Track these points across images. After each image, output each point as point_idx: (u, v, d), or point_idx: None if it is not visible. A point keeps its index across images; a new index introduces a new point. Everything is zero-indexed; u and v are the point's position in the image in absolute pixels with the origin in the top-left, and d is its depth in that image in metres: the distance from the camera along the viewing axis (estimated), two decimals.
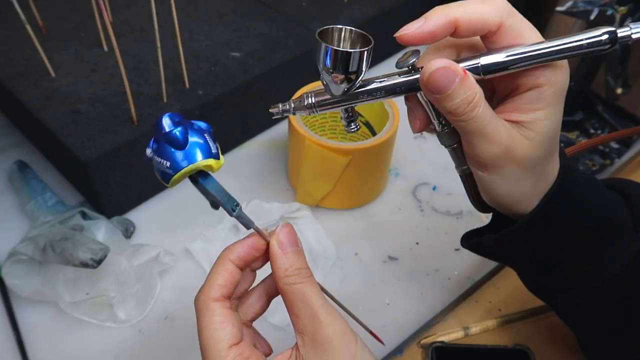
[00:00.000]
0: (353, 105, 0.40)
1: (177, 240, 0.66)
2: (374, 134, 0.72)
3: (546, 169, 0.41)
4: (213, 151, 0.35)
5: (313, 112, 0.40)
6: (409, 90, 0.39)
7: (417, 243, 0.68)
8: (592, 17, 0.73)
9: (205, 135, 0.35)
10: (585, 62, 0.79)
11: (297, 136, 0.65)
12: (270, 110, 0.41)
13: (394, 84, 0.39)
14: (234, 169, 0.76)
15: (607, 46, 0.35)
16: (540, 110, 0.37)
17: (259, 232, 0.39)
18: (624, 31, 0.35)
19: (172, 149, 0.34)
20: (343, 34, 0.37)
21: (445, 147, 0.42)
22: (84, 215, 0.64)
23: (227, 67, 0.73)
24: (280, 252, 0.38)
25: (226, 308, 0.38)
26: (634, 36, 0.35)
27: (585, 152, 0.78)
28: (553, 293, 0.47)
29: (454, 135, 0.41)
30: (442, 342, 0.58)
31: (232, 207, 0.37)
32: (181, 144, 0.33)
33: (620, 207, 0.45)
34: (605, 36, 0.35)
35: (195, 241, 0.65)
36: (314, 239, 0.66)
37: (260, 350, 0.42)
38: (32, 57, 0.70)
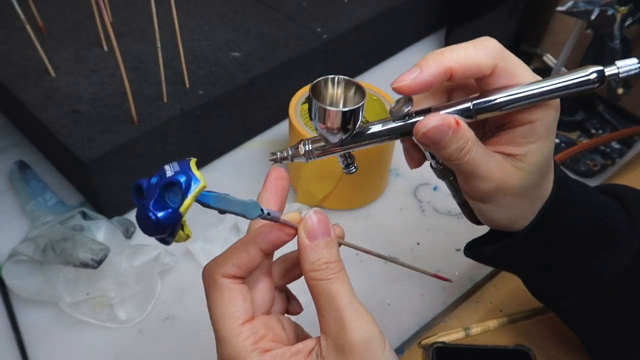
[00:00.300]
0: (350, 150, 0.41)
1: None
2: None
3: (539, 191, 0.42)
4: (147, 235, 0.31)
5: (310, 158, 0.41)
6: (404, 135, 0.39)
7: (418, 243, 0.68)
8: (592, 17, 0.72)
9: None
10: (586, 63, 0.79)
11: (298, 136, 0.65)
12: (269, 159, 0.41)
13: (390, 129, 0.39)
14: (235, 170, 0.76)
15: (596, 84, 0.36)
16: (533, 144, 0.38)
17: (286, 224, 0.35)
18: (611, 70, 0.35)
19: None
20: (336, 80, 0.38)
21: (442, 180, 0.43)
22: (84, 216, 0.64)
23: (228, 67, 0.73)
24: (308, 243, 0.34)
25: (236, 284, 0.35)
26: (621, 75, 0.35)
27: (586, 152, 0.78)
28: (555, 298, 0.48)
29: (449, 171, 0.42)
30: (443, 342, 0.58)
31: (253, 215, 0.33)
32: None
33: (615, 212, 0.46)
34: (594, 75, 0.35)
35: (196, 241, 0.65)
36: None
37: (293, 311, 0.41)
38: (32, 57, 0.70)
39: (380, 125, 0.39)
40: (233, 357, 0.34)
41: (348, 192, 0.69)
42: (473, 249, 0.49)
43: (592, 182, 0.77)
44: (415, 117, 0.38)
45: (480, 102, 0.37)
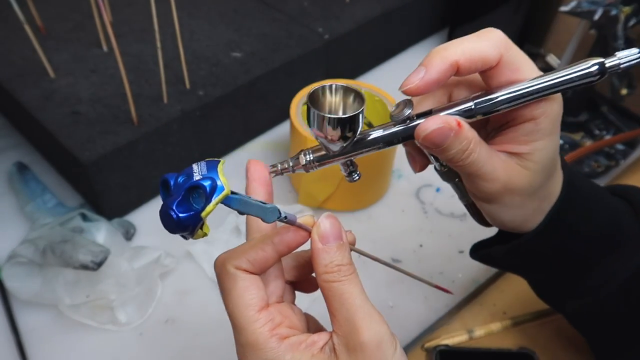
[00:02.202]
0: (352, 158, 0.40)
1: (178, 242, 0.65)
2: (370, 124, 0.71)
3: (548, 190, 0.41)
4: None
5: (312, 168, 0.40)
6: (406, 139, 0.39)
7: (420, 245, 0.68)
8: (596, 17, 0.72)
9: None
10: None
11: (299, 137, 0.65)
12: (269, 172, 0.41)
13: (391, 133, 0.38)
14: (236, 171, 0.75)
15: (597, 77, 0.35)
16: (538, 141, 0.38)
17: (301, 227, 0.36)
18: (612, 61, 0.35)
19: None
20: (334, 88, 0.37)
21: (447, 182, 0.43)
22: (84, 217, 0.63)
23: (228, 68, 0.72)
24: (321, 246, 0.35)
25: (249, 274, 0.35)
26: (622, 65, 0.35)
27: (590, 153, 0.77)
28: (562, 300, 0.47)
29: (454, 173, 0.41)
30: (446, 345, 0.57)
31: (272, 219, 0.34)
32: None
33: (625, 214, 0.45)
34: (595, 67, 0.35)
35: (197, 243, 0.65)
36: None
37: (306, 290, 0.41)
38: (31, 57, 0.69)
39: (381, 130, 0.39)
40: (252, 344, 0.34)
41: (350, 193, 0.69)
42: (479, 251, 0.48)
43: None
44: (416, 120, 0.38)
45: (482, 101, 0.36)
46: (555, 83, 0.36)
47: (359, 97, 0.36)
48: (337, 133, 0.35)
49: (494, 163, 0.38)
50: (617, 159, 0.78)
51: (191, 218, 0.31)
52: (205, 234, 0.33)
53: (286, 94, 0.71)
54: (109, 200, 0.66)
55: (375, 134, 0.39)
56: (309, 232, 0.36)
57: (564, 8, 0.74)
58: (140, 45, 0.74)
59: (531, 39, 0.86)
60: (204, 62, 0.73)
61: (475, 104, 0.36)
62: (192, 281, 0.63)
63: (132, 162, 0.64)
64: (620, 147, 0.79)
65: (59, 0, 0.80)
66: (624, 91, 0.76)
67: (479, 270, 0.65)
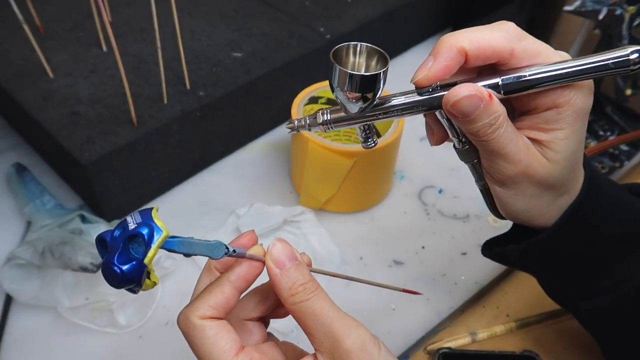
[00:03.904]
0: (370, 122, 0.39)
1: None
2: (378, 135, 0.71)
3: (566, 186, 0.40)
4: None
5: (329, 128, 0.39)
6: (428, 109, 0.38)
7: (423, 247, 0.67)
8: (600, 16, 0.72)
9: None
10: None
11: (301, 138, 0.64)
12: (285, 127, 0.40)
13: (413, 102, 0.38)
14: (236, 172, 0.75)
15: (637, 66, 0.33)
16: (559, 131, 0.37)
17: (253, 258, 0.36)
18: None
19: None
20: (358, 49, 0.36)
21: (465, 163, 0.41)
22: (83, 219, 0.63)
23: (229, 68, 0.72)
24: (279, 271, 0.35)
25: (215, 320, 0.35)
26: None
27: (594, 154, 0.77)
28: (576, 300, 0.46)
29: (474, 152, 0.40)
30: (449, 348, 0.57)
31: (219, 255, 0.34)
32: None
33: None
34: (635, 55, 0.33)
35: None
36: (318, 243, 0.65)
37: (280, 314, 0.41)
38: (29, 57, 0.69)
39: (403, 97, 0.38)
40: None
41: (352, 194, 0.68)
42: (492, 249, 0.47)
43: None
44: (440, 90, 0.37)
45: (510, 78, 0.35)
46: (589, 68, 0.34)
47: (382, 60, 0.35)
48: (357, 91, 0.35)
49: (517, 143, 0.37)
50: (622, 160, 0.77)
51: (135, 268, 0.31)
52: (154, 284, 0.33)
53: (287, 94, 0.71)
54: (109, 201, 0.65)
55: (396, 100, 0.38)
56: (262, 262, 0.36)
57: (568, 7, 0.73)
58: (140, 45, 0.74)
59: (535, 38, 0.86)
60: (205, 62, 0.72)
61: (503, 80, 0.36)
62: (192, 283, 0.62)
63: (131, 163, 0.64)
64: (624, 148, 0.79)
65: (58, 0, 0.80)
66: (628, 92, 0.75)
67: (482, 272, 0.64)
